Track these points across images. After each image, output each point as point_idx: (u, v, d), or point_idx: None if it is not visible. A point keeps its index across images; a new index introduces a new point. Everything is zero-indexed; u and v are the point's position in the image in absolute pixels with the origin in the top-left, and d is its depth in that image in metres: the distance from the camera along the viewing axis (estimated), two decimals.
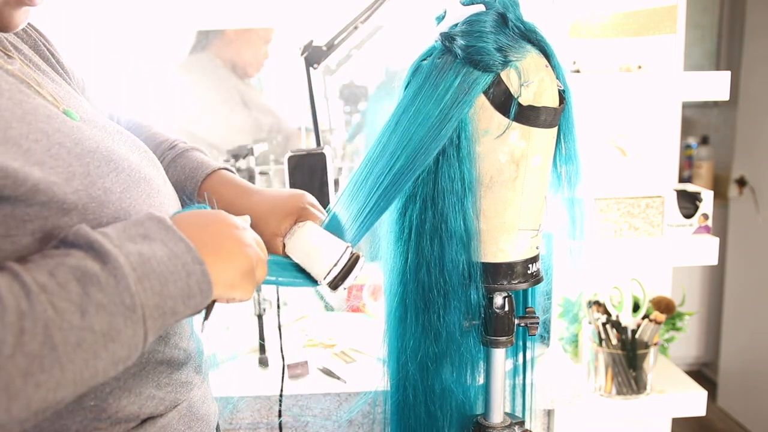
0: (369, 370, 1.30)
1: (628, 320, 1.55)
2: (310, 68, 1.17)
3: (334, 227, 0.80)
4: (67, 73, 0.82)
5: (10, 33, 0.74)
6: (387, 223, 0.82)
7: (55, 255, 0.53)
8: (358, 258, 0.75)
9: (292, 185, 1.09)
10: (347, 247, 0.75)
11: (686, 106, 3.06)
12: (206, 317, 0.65)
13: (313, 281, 0.77)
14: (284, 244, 0.79)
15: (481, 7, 0.74)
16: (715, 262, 1.52)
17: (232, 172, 0.89)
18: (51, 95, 0.68)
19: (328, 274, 0.74)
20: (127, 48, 1.72)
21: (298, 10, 1.73)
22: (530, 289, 0.88)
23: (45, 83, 0.70)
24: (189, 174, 0.87)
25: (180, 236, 0.57)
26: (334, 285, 0.74)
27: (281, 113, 1.86)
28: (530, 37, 0.75)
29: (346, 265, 0.74)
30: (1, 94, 0.59)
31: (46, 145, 0.59)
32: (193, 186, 0.86)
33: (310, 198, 0.83)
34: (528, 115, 0.73)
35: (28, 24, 0.80)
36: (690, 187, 1.59)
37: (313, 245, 0.76)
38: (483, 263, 0.79)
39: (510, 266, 0.79)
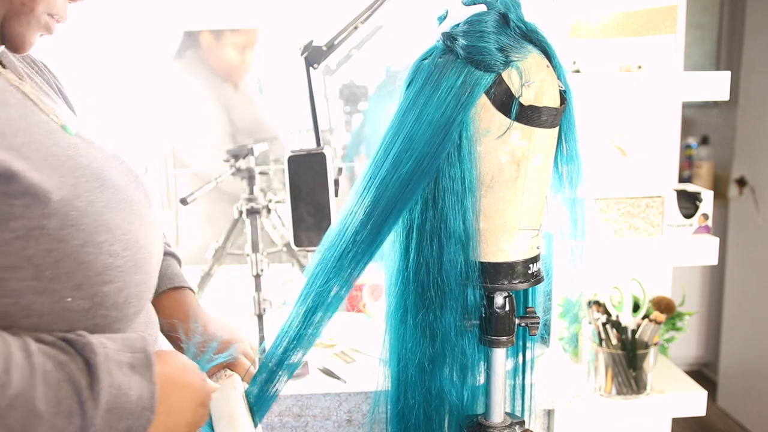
0: (369, 370, 1.30)
1: (628, 320, 1.55)
2: (310, 68, 1.17)
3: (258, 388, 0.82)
4: (72, 109, 0.89)
5: (25, 63, 0.82)
6: None
7: (66, 351, 0.61)
8: None
9: (292, 185, 1.09)
10: None
11: (686, 106, 3.07)
12: None
13: None
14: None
15: (482, 7, 0.74)
16: (715, 262, 1.52)
17: (193, 292, 0.97)
18: (53, 113, 0.74)
19: None
20: (115, 50, 1.72)
21: (287, 11, 1.73)
22: (531, 289, 0.88)
23: (49, 103, 0.76)
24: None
25: (153, 381, 0.65)
26: None
27: (267, 118, 1.86)
28: (531, 38, 0.75)
29: None
30: (10, 106, 0.66)
31: (44, 155, 0.65)
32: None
33: (245, 347, 0.89)
34: (529, 115, 0.73)
35: (43, 64, 0.89)
36: (690, 187, 1.59)
37: (225, 414, 0.79)
38: (484, 263, 0.79)
39: (511, 266, 0.79)
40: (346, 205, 0.79)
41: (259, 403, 0.81)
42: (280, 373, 0.80)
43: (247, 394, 0.82)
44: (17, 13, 0.68)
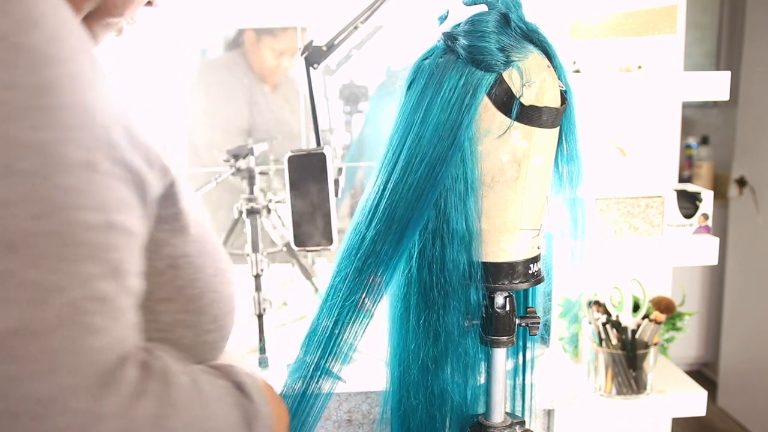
0: (369, 370, 1.30)
1: (628, 320, 1.55)
2: (310, 68, 1.17)
3: None
4: None
5: None
6: None
7: (220, 376, 0.57)
8: None
9: (292, 185, 1.09)
10: None
11: (686, 106, 3.07)
12: None
13: None
14: None
15: (483, 7, 0.74)
16: (715, 262, 1.52)
17: None
18: None
19: None
20: (154, 44, 1.71)
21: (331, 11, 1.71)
22: (531, 289, 0.88)
23: None
24: None
25: (269, 403, 0.61)
26: None
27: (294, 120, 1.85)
28: (532, 38, 0.75)
29: None
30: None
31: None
32: None
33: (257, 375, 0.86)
34: (530, 115, 0.73)
35: None
36: (690, 187, 1.59)
37: None
38: (484, 263, 0.79)
39: (511, 266, 0.79)
40: (359, 212, 0.78)
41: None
42: (313, 390, 0.79)
43: None
44: (105, 14, 0.63)
